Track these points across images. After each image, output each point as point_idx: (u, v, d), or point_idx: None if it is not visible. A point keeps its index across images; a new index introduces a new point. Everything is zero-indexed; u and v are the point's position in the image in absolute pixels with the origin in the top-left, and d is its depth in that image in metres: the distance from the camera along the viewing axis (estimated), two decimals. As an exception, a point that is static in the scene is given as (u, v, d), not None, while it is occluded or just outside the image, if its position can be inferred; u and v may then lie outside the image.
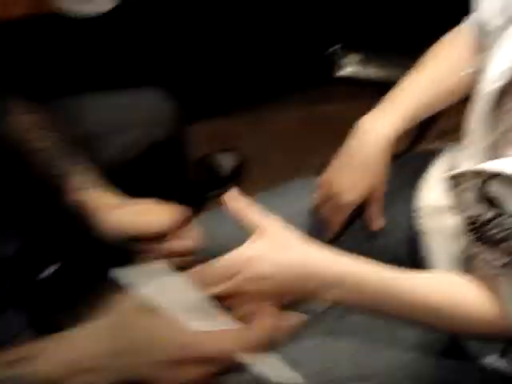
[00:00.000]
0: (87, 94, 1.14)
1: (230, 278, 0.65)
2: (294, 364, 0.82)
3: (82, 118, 1.08)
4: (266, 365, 0.59)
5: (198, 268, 0.66)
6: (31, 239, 0.84)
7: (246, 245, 0.68)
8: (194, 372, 0.58)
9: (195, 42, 1.86)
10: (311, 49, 1.57)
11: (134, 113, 1.16)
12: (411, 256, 0.95)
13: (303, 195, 1.02)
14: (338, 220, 0.92)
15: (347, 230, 0.96)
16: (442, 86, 0.90)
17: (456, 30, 0.95)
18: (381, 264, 0.70)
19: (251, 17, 1.79)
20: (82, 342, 0.59)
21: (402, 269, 0.71)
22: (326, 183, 0.92)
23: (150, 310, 0.59)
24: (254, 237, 0.68)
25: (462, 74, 0.84)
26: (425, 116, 0.91)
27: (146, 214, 0.79)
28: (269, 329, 0.61)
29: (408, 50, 1.13)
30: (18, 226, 0.83)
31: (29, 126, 0.88)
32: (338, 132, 0.90)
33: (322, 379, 0.83)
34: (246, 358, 0.58)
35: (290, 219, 1.01)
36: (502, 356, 0.80)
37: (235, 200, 0.71)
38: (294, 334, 0.86)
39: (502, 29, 0.75)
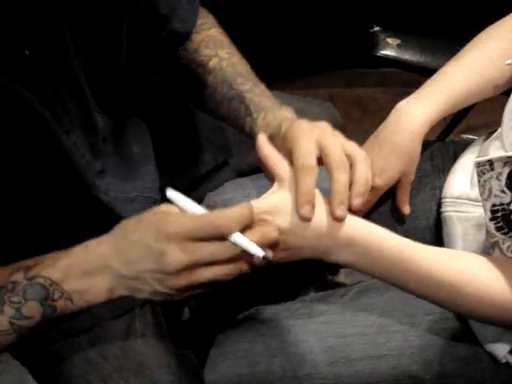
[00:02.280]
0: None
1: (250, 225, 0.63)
2: (308, 336, 0.85)
3: None
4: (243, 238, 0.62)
5: (218, 213, 0.63)
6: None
7: (266, 195, 0.69)
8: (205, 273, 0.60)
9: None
10: (351, 28, 1.57)
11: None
12: (436, 243, 0.95)
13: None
14: (365, 205, 0.91)
15: (373, 213, 0.96)
16: (485, 75, 0.88)
17: (504, 18, 0.93)
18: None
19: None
20: (92, 246, 0.63)
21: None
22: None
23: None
24: (274, 187, 0.69)
25: (507, 63, 0.82)
26: (464, 105, 0.90)
27: None
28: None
29: (448, 37, 1.12)
30: None
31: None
32: (368, 114, 0.89)
33: (332, 355, 0.84)
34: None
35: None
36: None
37: (264, 145, 0.71)
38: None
39: None
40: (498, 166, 0.66)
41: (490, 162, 0.66)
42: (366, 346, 0.84)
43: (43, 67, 0.65)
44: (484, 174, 0.68)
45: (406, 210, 0.92)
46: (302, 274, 1.13)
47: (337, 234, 0.66)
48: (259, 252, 0.62)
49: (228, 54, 0.91)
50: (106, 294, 0.62)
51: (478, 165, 0.68)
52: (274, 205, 0.67)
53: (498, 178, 0.66)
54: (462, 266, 0.70)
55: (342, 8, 1.76)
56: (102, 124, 0.78)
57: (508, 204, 0.66)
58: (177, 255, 0.58)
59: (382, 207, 0.97)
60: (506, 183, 0.65)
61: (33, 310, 0.60)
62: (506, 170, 0.65)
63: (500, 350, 0.80)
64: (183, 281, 0.60)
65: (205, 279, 0.60)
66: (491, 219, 0.69)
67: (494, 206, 0.68)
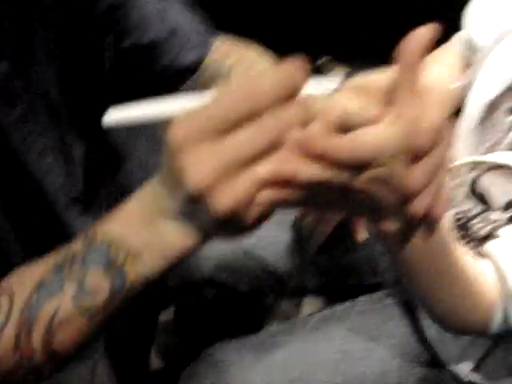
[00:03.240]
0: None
1: None
2: (272, 368, 0.84)
3: None
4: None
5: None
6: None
7: None
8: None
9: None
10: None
11: None
12: (391, 268, 0.96)
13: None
14: (323, 232, 0.92)
15: (330, 241, 0.97)
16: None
17: (445, 45, 0.96)
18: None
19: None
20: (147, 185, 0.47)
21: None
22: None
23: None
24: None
25: (452, 87, 0.84)
26: None
27: None
28: None
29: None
30: None
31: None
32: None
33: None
34: None
35: (275, 224, 1.03)
36: (475, 370, 0.81)
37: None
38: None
39: (490, 48, 0.76)
40: (463, 173, 0.67)
41: (458, 169, 0.68)
42: (329, 375, 0.83)
43: (19, 84, 0.63)
44: (451, 181, 0.69)
45: (362, 236, 0.93)
46: (267, 304, 1.13)
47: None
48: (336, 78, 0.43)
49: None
50: (180, 242, 0.45)
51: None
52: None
53: (462, 185, 0.68)
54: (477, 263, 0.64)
55: (289, 40, 1.80)
56: (79, 150, 0.76)
57: (470, 210, 0.67)
58: (198, 167, 0.39)
59: (337, 236, 0.97)
60: (470, 189, 0.67)
61: (97, 280, 0.46)
62: (471, 176, 0.66)
63: (463, 368, 0.81)
64: (227, 202, 0.39)
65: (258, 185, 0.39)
66: (454, 228, 0.70)
67: (457, 214, 0.69)
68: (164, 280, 0.50)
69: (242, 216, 0.40)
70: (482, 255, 0.66)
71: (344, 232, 0.96)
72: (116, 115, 0.45)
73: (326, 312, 0.92)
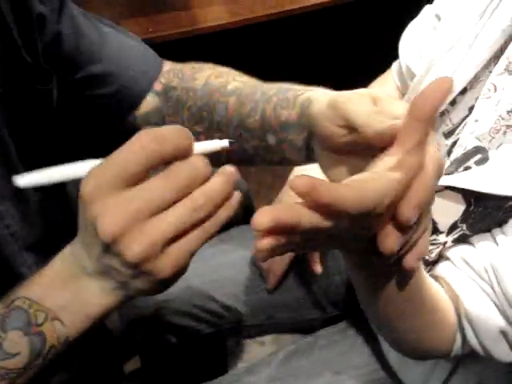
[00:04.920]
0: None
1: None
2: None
3: None
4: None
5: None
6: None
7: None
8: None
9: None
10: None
11: None
12: (352, 298, 0.96)
13: (244, 242, 1.03)
14: (279, 268, 0.92)
15: (289, 275, 0.97)
16: None
17: (385, 72, 0.98)
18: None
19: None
20: (67, 247, 0.48)
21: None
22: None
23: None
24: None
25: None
26: None
27: None
28: None
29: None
30: None
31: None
32: (279, 180, 0.91)
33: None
34: None
35: (231, 265, 1.03)
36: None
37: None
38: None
39: (422, 76, 0.77)
40: None
41: None
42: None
43: None
44: None
45: (318, 269, 0.93)
46: (229, 346, 1.12)
47: None
48: (223, 142, 0.48)
49: (248, 79, 0.76)
50: (102, 301, 0.47)
51: None
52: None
53: None
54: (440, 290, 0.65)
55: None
56: (35, 196, 0.73)
57: None
58: (108, 214, 0.40)
59: (296, 268, 0.98)
60: None
61: (16, 342, 0.46)
62: None
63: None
64: (136, 248, 0.40)
65: (165, 233, 0.41)
66: None
67: None
68: (131, 333, 0.50)
69: (154, 265, 0.41)
70: (434, 278, 0.67)
71: (300, 267, 0.97)
72: (28, 178, 0.46)
73: (290, 349, 0.92)
